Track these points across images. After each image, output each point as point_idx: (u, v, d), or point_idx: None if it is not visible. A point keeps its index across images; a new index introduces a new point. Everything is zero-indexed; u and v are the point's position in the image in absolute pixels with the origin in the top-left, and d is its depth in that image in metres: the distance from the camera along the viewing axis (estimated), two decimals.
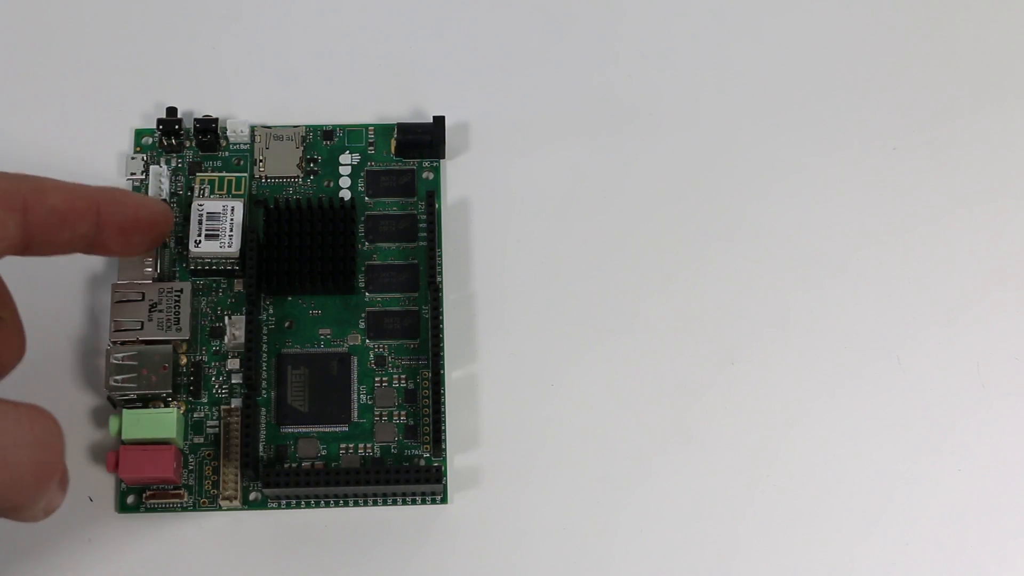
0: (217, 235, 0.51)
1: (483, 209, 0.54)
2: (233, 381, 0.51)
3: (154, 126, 0.54)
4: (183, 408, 0.50)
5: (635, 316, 0.52)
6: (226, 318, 0.51)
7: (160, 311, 0.50)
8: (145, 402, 0.49)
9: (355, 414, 0.50)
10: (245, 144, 0.54)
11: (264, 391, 0.51)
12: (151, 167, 0.53)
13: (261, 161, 0.53)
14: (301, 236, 0.51)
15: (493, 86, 0.55)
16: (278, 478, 0.48)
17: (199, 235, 0.51)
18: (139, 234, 0.45)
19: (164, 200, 0.51)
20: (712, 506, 0.50)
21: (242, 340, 0.50)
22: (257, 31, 0.56)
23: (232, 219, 0.51)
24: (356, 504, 0.50)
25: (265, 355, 0.51)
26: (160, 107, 0.54)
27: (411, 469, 0.48)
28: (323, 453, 0.50)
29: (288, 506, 0.50)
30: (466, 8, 0.57)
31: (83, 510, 0.49)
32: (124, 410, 0.49)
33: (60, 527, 0.49)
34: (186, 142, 0.54)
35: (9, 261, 0.52)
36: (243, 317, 0.50)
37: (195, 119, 0.53)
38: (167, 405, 0.50)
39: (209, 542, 0.49)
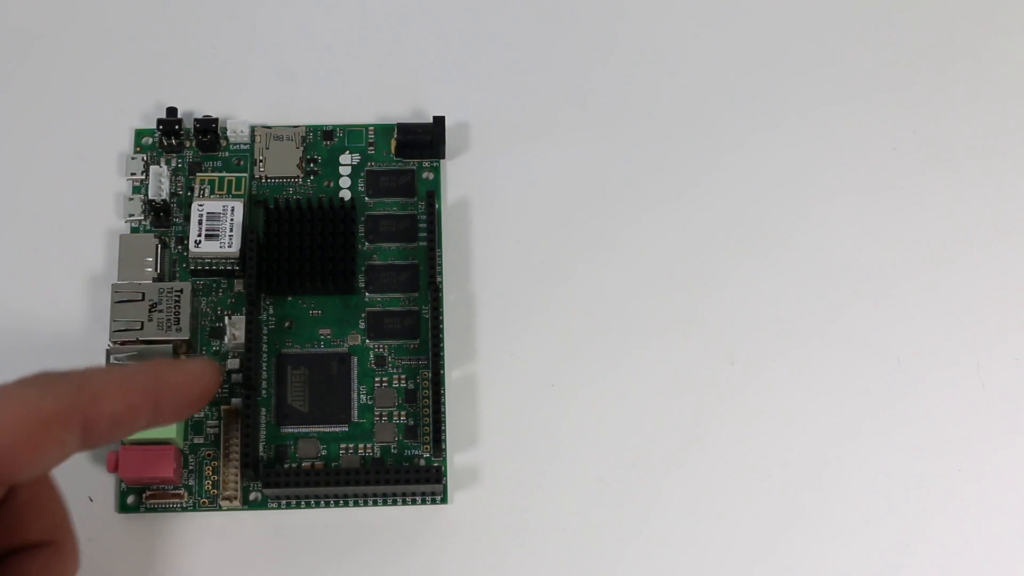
0: (217, 235, 0.51)
1: (483, 209, 0.54)
2: (233, 381, 0.51)
3: (154, 126, 0.54)
4: None
5: (635, 316, 0.52)
6: (226, 318, 0.51)
7: (160, 311, 0.50)
8: None
9: (355, 414, 0.50)
10: (245, 144, 0.54)
11: (264, 391, 0.51)
12: (151, 167, 0.53)
13: (261, 161, 0.53)
14: (301, 236, 0.51)
15: (493, 86, 0.55)
16: (278, 478, 0.48)
17: (199, 235, 0.51)
18: (193, 408, 0.45)
19: (208, 358, 0.50)
20: (712, 506, 0.50)
21: (242, 340, 0.50)
22: (257, 31, 0.56)
23: (232, 219, 0.51)
24: (356, 504, 0.50)
25: (265, 355, 0.51)
26: (160, 107, 0.54)
27: (411, 469, 0.48)
28: (323, 453, 0.50)
29: (288, 506, 0.50)
30: (466, 8, 0.57)
31: (83, 510, 0.49)
32: None
33: None
34: (186, 142, 0.54)
35: (7, 260, 0.52)
36: (243, 317, 0.50)
37: (195, 119, 0.53)
38: None
39: (209, 542, 0.49)
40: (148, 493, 0.49)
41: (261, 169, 0.53)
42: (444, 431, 0.49)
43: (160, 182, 0.52)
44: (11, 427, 0.38)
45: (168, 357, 0.49)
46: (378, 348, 0.51)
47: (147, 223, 0.53)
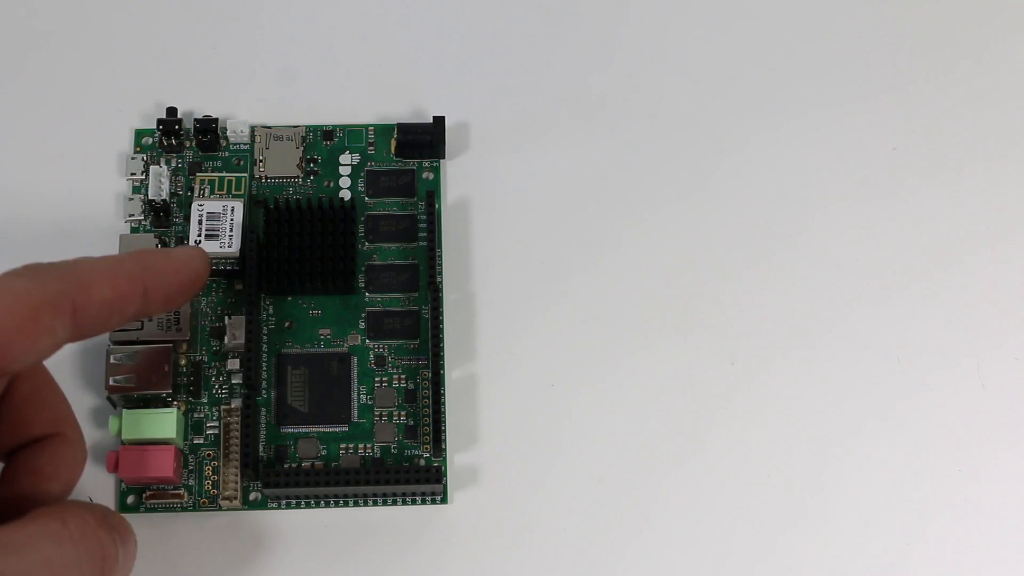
0: (217, 235, 0.51)
1: (483, 209, 0.54)
2: (233, 381, 0.51)
3: (154, 126, 0.54)
4: (183, 408, 0.50)
5: (635, 316, 0.52)
6: (226, 318, 0.51)
7: None
8: (145, 402, 0.49)
9: (355, 414, 0.50)
10: (245, 144, 0.54)
11: (264, 391, 0.51)
12: (151, 167, 0.53)
13: (261, 161, 0.53)
14: (301, 236, 0.51)
15: (493, 86, 0.55)
16: (278, 478, 0.48)
17: (199, 235, 0.51)
18: (183, 296, 0.45)
19: (195, 245, 0.50)
20: (712, 506, 0.50)
21: (242, 340, 0.50)
22: (257, 31, 0.56)
23: (232, 219, 0.51)
24: (356, 504, 0.50)
25: (265, 355, 0.51)
26: (160, 107, 0.54)
27: (411, 469, 0.48)
28: (323, 453, 0.50)
29: (288, 506, 0.50)
30: (466, 8, 0.57)
31: None
32: (124, 410, 0.49)
33: None
34: (186, 142, 0.54)
35: (8, 259, 0.52)
36: (243, 317, 0.50)
37: (195, 119, 0.53)
38: (167, 405, 0.50)
39: (209, 542, 0.49)
40: (148, 493, 0.49)
41: (261, 169, 0.53)
42: (444, 431, 0.49)
43: (160, 182, 0.52)
44: (1, 317, 0.38)
45: (168, 356, 0.49)
46: (378, 348, 0.51)
47: (147, 223, 0.53)
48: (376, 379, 0.51)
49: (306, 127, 0.54)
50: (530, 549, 0.49)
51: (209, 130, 0.53)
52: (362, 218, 0.53)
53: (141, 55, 0.55)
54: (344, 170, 0.54)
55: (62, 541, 0.40)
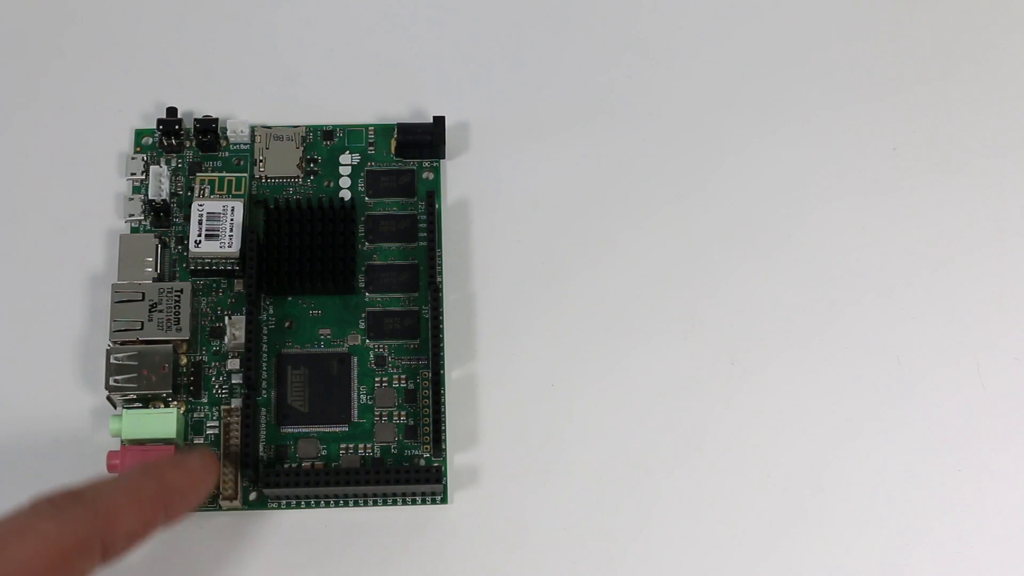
0: (217, 235, 0.51)
1: (483, 209, 0.54)
2: (233, 381, 0.51)
3: (154, 126, 0.54)
4: (183, 408, 0.50)
5: (635, 316, 0.52)
6: (226, 318, 0.51)
7: (160, 311, 0.50)
8: (145, 402, 0.50)
9: (355, 414, 0.50)
10: (245, 144, 0.54)
11: (264, 391, 0.51)
12: (151, 167, 0.53)
13: (261, 161, 0.53)
14: (301, 236, 0.51)
15: (493, 86, 0.55)
16: (278, 478, 0.48)
17: (199, 235, 0.51)
18: (198, 502, 0.46)
19: (207, 449, 0.50)
20: (712, 506, 0.50)
21: (242, 340, 0.50)
22: (257, 31, 0.56)
23: (232, 219, 0.51)
24: (356, 504, 0.50)
25: (265, 355, 0.51)
26: (160, 107, 0.54)
27: (411, 469, 0.48)
28: (323, 453, 0.50)
29: (288, 506, 0.50)
30: (466, 8, 0.57)
31: None
32: (124, 410, 0.49)
33: None
34: (186, 142, 0.54)
35: (7, 260, 0.52)
36: (243, 317, 0.50)
37: (195, 119, 0.53)
38: (167, 405, 0.50)
39: (209, 542, 0.49)
40: None
41: (261, 169, 0.53)
42: (444, 431, 0.49)
43: (160, 182, 0.52)
44: (32, 565, 0.38)
45: (168, 356, 0.49)
46: (378, 348, 0.51)
47: (147, 223, 0.53)
48: (376, 379, 0.51)
49: (306, 127, 0.54)
50: (530, 549, 0.49)
51: (209, 130, 0.53)
52: (362, 218, 0.53)
53: (141, 55, 0.55)
54: (344, 170, 0.54)
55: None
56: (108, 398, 0.49)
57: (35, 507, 0.40)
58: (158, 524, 0.43)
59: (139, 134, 0.54)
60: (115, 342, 0.50)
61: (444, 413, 0.50)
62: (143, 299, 0.50)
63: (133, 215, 0.52)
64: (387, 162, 0.54)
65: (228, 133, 0.54)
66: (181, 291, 0.50)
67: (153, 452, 0.48)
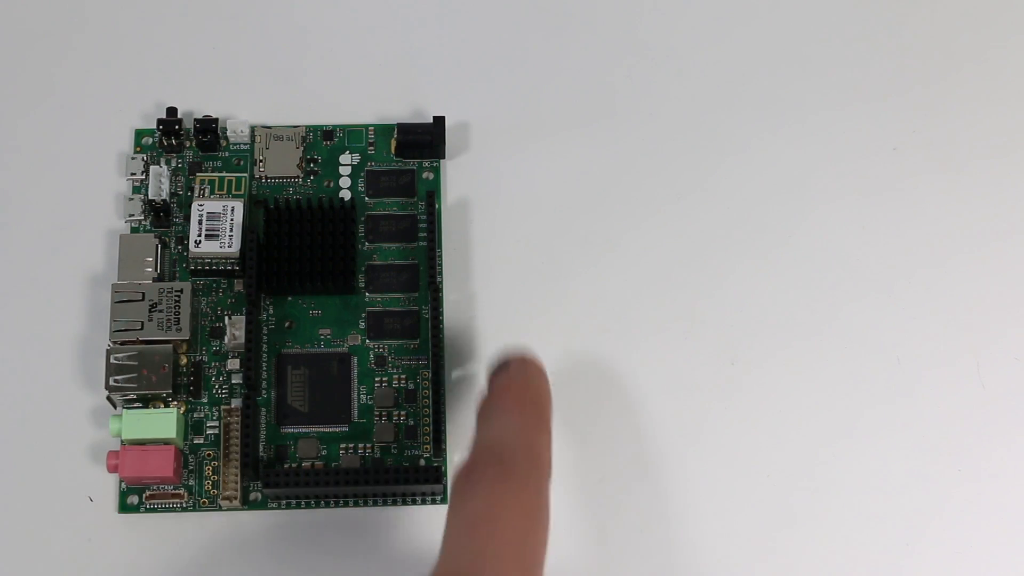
0: (217, 235, 0.51)
1: (483, 209, 0.54)
2: (233, 381, 0.51)
3: (154, 126, 0.54)
4: (183, 408, 0.50)
5: (635, 316, 0.52)
6: (226, 318, 0.51)
7: (160, 311, 0.50)
8: (145, 402, 0.50)
9: (355, 414, 0.50)
10: (245, 144, 0.54)
11: (264, 391, 0.51)
12: (151, 167, 0.53)
13: (261, 161, 0.53)
14: (301, 236, 0.51)
15: (493, 86, 0.55)
16: (278, 478, 0.48)
17: (199, 235, 0.51)
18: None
19: (535, 358, 0.48)
20: (711, 505, 0.50)
21: (242, 340, 0.50)
22: (257, 31, 0.56)
23: (232, 219, 0.51)
24: (356, 504, 0.50)
25: (265, 355, 0.51)
26: (160, 107, 0.54)
27: (411, 469, 0.48)
28: (323, 453, 0.50)
29: (288, 506, 0.50)
30: (466, 8, 0.57)
31: (83, 510, 0.49)
32: (124, 410, 0.49)
33: (60, 527, 0.49)
34: (186, 142, 0.54)
35: (7, 260, 0.52)
36: (243, 317, 0.50)
37: (195, 119, 0.53)
38: (167, 405, 0.50)
39: (209, 542, 0.49)
40: (148, 493, 0.49)
41: (261, 169, 0.53)
42: (444, 431, 0.49)
43: (160, 182, 0.52)
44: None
45: (168, 356, 0.49)
46: (378, 348, 0.51)
47: (147, 223, 0.53)
48: (376, 379, 0.51)
49: (306, 127, 0.54)
50: None
51: (209, 130, 0.53)
52: (362, 218, 0.53)
53: (141, 55, 0.55)
54: (344, 170, 0.54)
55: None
56: (108, 398, 0.49)
57: (466, 491, 0.39)
58: (551, 444, 0.42)
59: (139, 134, 0.54)
60: (115, 342, 0.50)
61: (444, 413, 0.50)
62: (143, 299, 0.50)
63: (133, 215, 0.53)
64: (387, 162, 0.54)
65: (228, 133, 0.54)
66: (181, 291, 0.50)
67: (153, 451, 0.48)
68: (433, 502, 0.50)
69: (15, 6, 0.56)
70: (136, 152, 0.54)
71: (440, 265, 0.52)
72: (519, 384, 0.44)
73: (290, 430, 0.50)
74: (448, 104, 0.55)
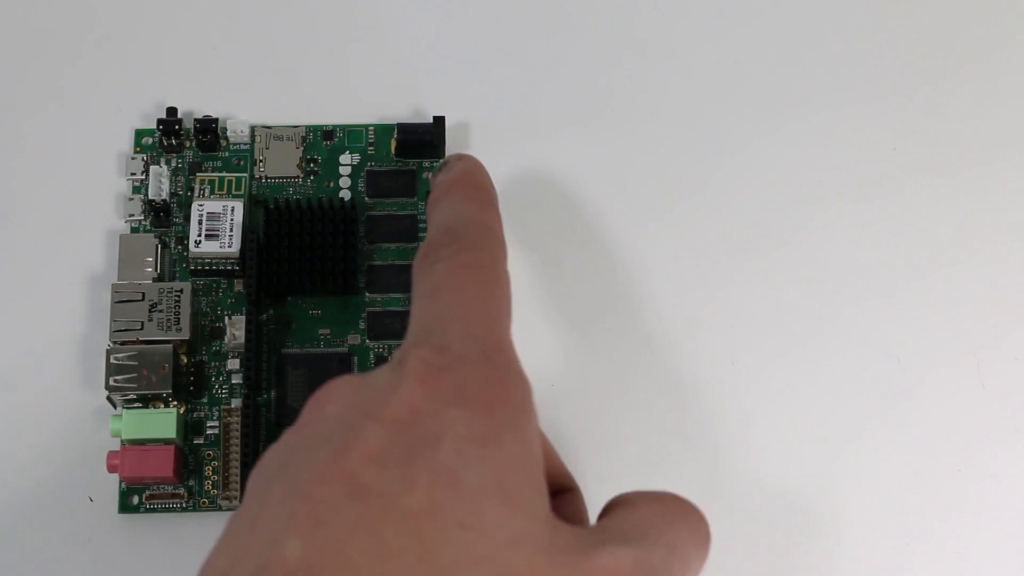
0: (217, 235, 0.51)
1: None
2: (233, 381, 0.51)
3: (154, 126, 0.54)
4: (183, 408, 0.50)
5: (635, 316, 0.52)
6: (226, 318, 0.51)
7: (160, 311, 0.50)
8: (145, 402, 0.49)
9: None
10: (245, 144, 0.54)
11: (264, 391, 0.51)
12: (151, 167, 0.53)
13: (261, 161, 0.53)
14: (301, 236, 0.51)
15: (493, 86, 0.55)
16: None
17: (199, 235, 0.51)
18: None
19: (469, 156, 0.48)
20: (711, 506, 0.50)
21: (242, 340, 0.50)
22: (257, 31, 0.56)
23: (232, 219, 0.51)
24: None
25: (265, 355, 0.51)
26: (160, 107, 0.54)
27: None
28: None
29: None
30: (466, 8, 0.57)
31: (83, 510, 0.49)
32: (124, 410, 0.49)
33: (60, 527, 0.49)
34: (186, 142, 0.54)
35: (7, 260, 0.52)
36: (243, 317, 0.50)
37: (195, 119, 0.53)
38: (167, 405, 0.50)
39: (209, 542, 0.49)
40: (148, 493, 0.49)
41: (261, 169, 0.53)
42: None
43: (160, 182, 0.52)
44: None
45: (168, 356, 0.49)
46: (378, 348, 0.51)
47: (147, 223, 0.53)
48: None
49: (306, 127, 0.54)
50: None
51: (209, 130, 0.53)
52: (362, 218, 0.53)
53: (141, 55, 0.55)
54: (344, 170, 0.54)
55: (673, 520, 0.38)
56: (108, 398, 0.49)
57: (427, 265, 0.39)
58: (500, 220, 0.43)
59: (139, 134, 0.54)
60: (115, 342, 0.50)
61: None
62: (143, 299, 0.50)
63: (133, 215, 0.52)
64: (387, 162, 0.54)
65: (228, 133, 0.54)
66: (181, 291, 0.50)
67: (153, 451, 0.48)
68: None
69: (15, 6, 0.56)
70: (136, 152, 0.54)
71: None
72: (462, 174, 0.44)
73: None
74: (448, 104, 0.55)
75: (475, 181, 0.45)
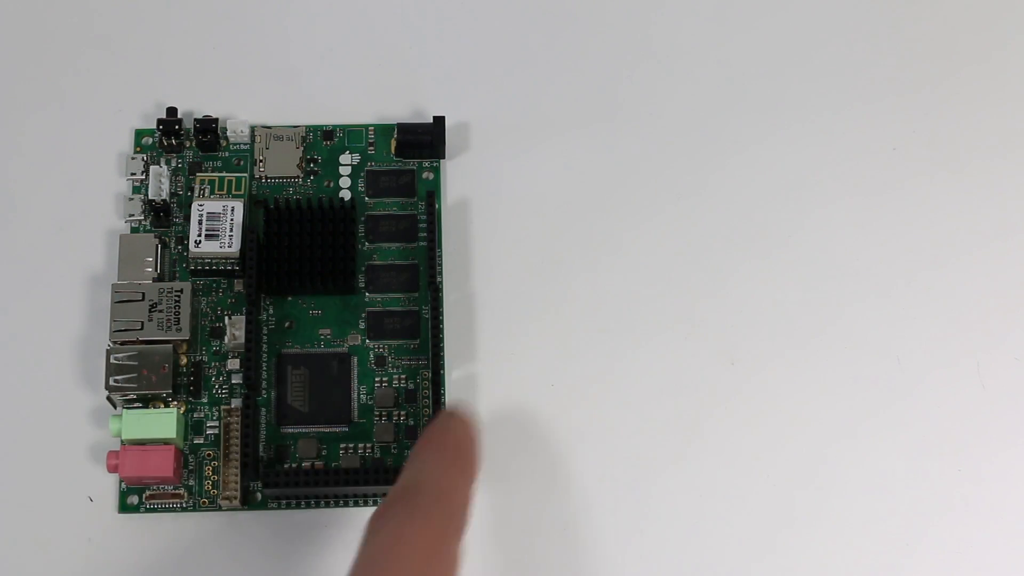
0: (217, 235, 0.51)
1: (483, 209, 0.54)
2: (233, 381, 0.51)
3: (154, 126, 0.54)
4: (183, 408, 0.50)
5: (635, 316, 0.52)
6: (226, 318, 0.51)
7: (160, 311, 0.50)
8: (145, 402, 0.50)
9: (355, 414, 0.50)
10: (245, 144, 0.54)
11: (264, 391, 0.51)
12: (151, 167, 0.53)
13: (261, 161, 0.53)
14: (301, 236, 0.51)
15: (493, 86, 0.56)
16: (278, 478, 0.48)
17: (199, 235, 0.51)
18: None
19: (467, 411, 0.48)
20: (712, 506, 0.50)
21: (242, 340, 0.50)
22: (257, 31, 0.56)
23: (232, 219, 0.51)
24: (356, 504, 0.50)
25: (265, 355, 0.51)
26: (160, 107, 0.54)
27: None
28: (323, 453, 0.50)
29: (288, 506, 0.50)
30: (466, 8, 0.57)
31: (83, 510, 0.49)
32: (124, 410, 0.49)
33: (60, 527, 0.49)
34: (186, 142, 0.54)
35: (7, 260, 0.52)
36: (243, 317, 0.50)
37: (195, 119, 0.53)
38: (167, 405, 0.50)
39: (209, 542, 0.49)
40: (148, 493, 0.49)
41: (261, 169, 0.53)
42: None
43: (160, 182, 0.52)
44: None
45: (168, 356, 0.49)
46: (378, 348, 0.51)
47: (147, 223, 0.53)
48: (376, 379, 0.51)
49: (306, 127, 0.54)
50: (529, 549, 0.49)
51: (209, 130, 0.53)
52: (362, 218, 0.53)
53: (141, 55, 0.55)
54: (344, 170, 0.54)
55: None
56: (108, 398, 0.50)
57: (374, 528, 0.40)
58: (473, 487, 0.43)
59: (139, 134, 0.54)
60: (115, 342, 0.50)
61: None
62: (143, 299, 0.50)
63: (133, 215, 0.53)
64: (387, 162, 0.54)
65: (228, 133, 0.54)
66: (181, 291, 0.50)
67: (153, 451, 0.48)
68: None
69: (15, 7, 0.56)
70: (136, 152, 0.54)
71: (440, 265, 0.52)
72: (441, 430, 0.45)
73: (290, 430, 0.50)
74: (448, 104, 0.55)
75: (452, 440, 0.44)
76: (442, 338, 0.50)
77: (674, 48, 0.56)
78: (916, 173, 0.55)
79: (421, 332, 0.51)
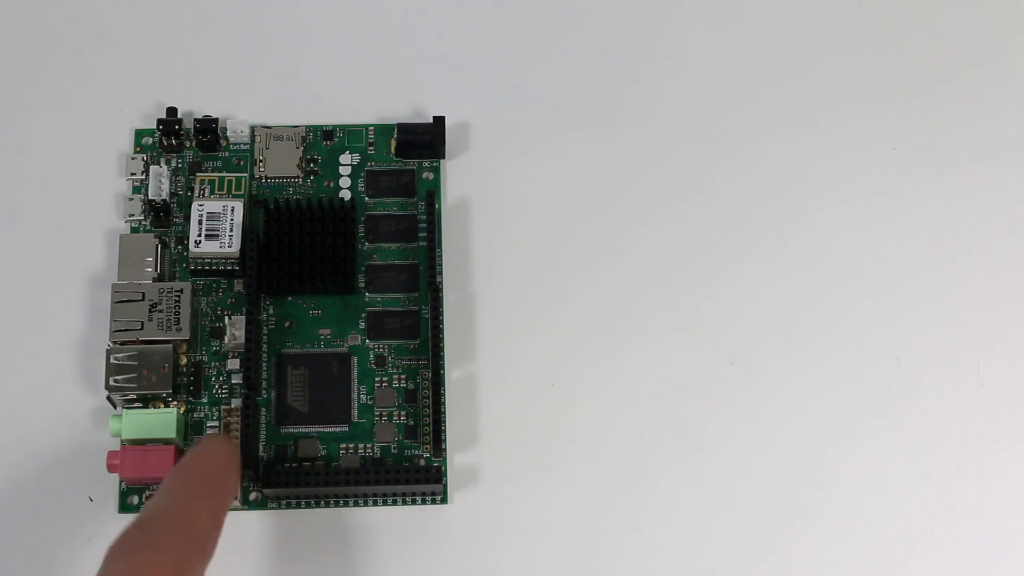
0: (217, 235, 0.51)
1: (483, 209, 0.54)
2: (233, 381, 0.51)
3: (154, 126, 0.54)
4: (183, 408, 0.50)
5: (635, 316, 0.52)
6: (226, 318, 0.51)
7: (160, 311, 0.50)
8: (145, 402, 0.50)
9: (355, 414, 0.50)
10: (245, 144, 0.54)
11: (264, 391, 0.51)
12: (151, 167, 0.53)
13: (261, 161, 0.53)
14: (301, 236, 0.51)
15: (493, 86, 0.55)
16: (278, 478, 0.48)
17: (199, 235, 0.51)
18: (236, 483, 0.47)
19: (228, 436, 0.50)
20: (712, 506, 0.50)
21: (242, 340, 0.50)
22: (257, 31, 0.56)
23: (232, 219, 0.51)
24: (356, 504, 0.50)
25: (265, 355, 0.51)
26: (160, 107, 0.54)
27: (411, 469, 0.48)
28: (323, 453, 0.50)
29: (288, 506, 0.50)
30: (466, 8, 0.57)
31: (83, 510, 0.49)
32: (124, 410, 0.49)
33: (60, 527, 0.49)
34: (186, 142, 0.54)
35: (7, 260, 0.52)
36: (243, 317, 0.50)
37: (195, 119, 0.53)
38: (167, 405, 0.50)
39: None
40: (148, 493, 0.49)
41: (261, 169, 0.53)
42: (444, 431, 0.49)
43: (160, 182, 0.52)
44: None
45: (168, 356, 0.49)
46: (378, 348, 0.51)
47: (147, 223, 0.53)
48: (376, 379, 0.51)
49: (306, 127, 0.54)
50: (530, 549, 0.49)
51: (209, 130, 0.53)
52: (362, 218, 0.53)
53: (141, 55, 0.55)
54: (344, 170, 0.54)
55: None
56: (108, 398, 0.49)
57: (110, 558, 0.40)
58: (222, 513, 0.43)
59: (139, 134, 0.54)
60: (115, 342, 0.50)
61: (444, 413, 0.50)
62: (143, 299, 0.50)
63: (133, 215, 0.53)
64: (387, 162, 0.54)
65: (228, 133, 0.54)
66: (181, 291, 0.50)
67: (153, 451, 0.48)
68: (433, 502, 0.50)
69: (16, 7, 0.56)
70: (136, 152, 0.54)
71: (440, 265, 0.52)
72: (194, 457, 0.45)
73: (290, 430, 0.50)
74: (448, 104, 0.55)
75: (205, 469, 0.44)
76: (442, 338, 0.50)
77: (675, 49, 0.56)
78: (916, 174, 0.55)
79: (421, 332, 0.51)
